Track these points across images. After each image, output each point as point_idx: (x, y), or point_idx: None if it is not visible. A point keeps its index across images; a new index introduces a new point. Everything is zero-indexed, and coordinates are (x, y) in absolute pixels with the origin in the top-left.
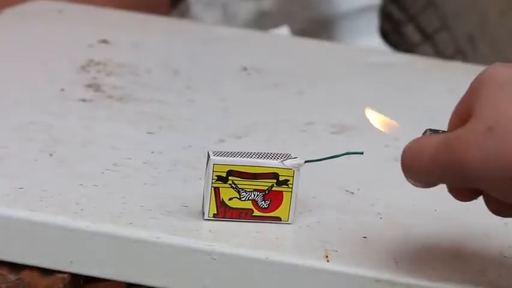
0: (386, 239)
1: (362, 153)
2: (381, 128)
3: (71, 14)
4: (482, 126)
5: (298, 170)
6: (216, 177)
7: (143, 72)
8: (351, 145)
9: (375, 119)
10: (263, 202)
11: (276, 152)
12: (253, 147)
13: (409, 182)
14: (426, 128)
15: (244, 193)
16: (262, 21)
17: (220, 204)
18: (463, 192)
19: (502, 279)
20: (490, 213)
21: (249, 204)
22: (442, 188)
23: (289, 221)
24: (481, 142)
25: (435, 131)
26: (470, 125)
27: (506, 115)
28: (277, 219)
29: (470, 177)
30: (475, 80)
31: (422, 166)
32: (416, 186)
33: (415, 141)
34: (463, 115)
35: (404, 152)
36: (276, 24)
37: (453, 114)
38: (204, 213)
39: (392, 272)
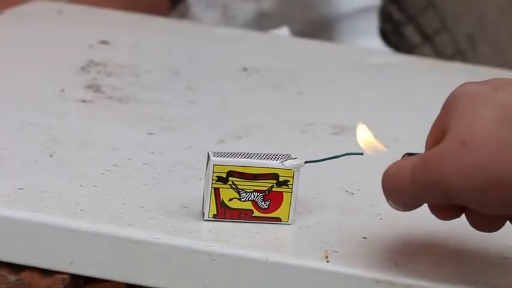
0: (386, 239)
1: (362, 153)
2: (364, 147)
3: (71, 14)
4: (456, 141)
5: (298, 171)
6: (216, 178)
7: (143, 73)
8: (350, 146)
9: (363, 138)
10: (263, 203)
11: (276, 153)
12: (253, 148)
13: (390, 205)
14: (405, 152)
15: (244, 194)
16: (262, 22)
17: (220, 204)
18: (445, 210)
19: (502, 280)
20: None
21: (249, 205)
22: None
23: (289, 222)
24: (457, 156)
25: (413, 154)
26: (445, 141)
27: (478, 127)
28: (277, 219)
29: (450, 192)
30: (447, 99)
31: (402, 186)
32: (398, 209)
33: (394, 164)
34: (438, 136)
35: (384, 174)
36: (276, 25)
37: (429, 136)
38: (204, 214)
39: (392, 273)
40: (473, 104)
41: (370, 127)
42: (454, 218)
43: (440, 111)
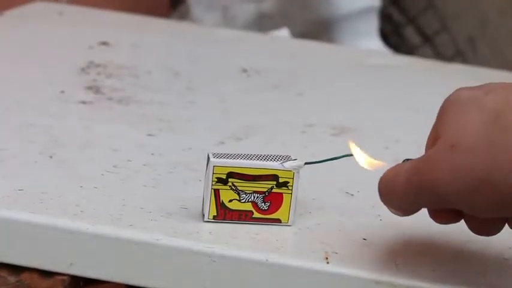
0: (386, 240)
1: None
2: (367, 167)
3: (71, 16)
4: (446, 145)
5: (298, 172)
6: (216, 179)
7: (143, 74)
8: None
9: (362, 159)
10: (263, 204)
11: (276, 154)
12: (253, 149)
13: (391, 211)
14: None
15: (244, 195)
16: (262, 23)
17: (220, 206)
18: (442, 215)
19: (502, 281)
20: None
21: (249, 206)
22: None
23: (289, 223)
24: (447, 160)
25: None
26: (437, 146)
27: (467, 131)
28: (277, 221)
29: (442, 196)
30: (442, 104)
31: (397, 191)
32: (398, 214)
33: (390, 169)
34: (435, 141)
35: (380, 180)
36: (276, 26)
37: (428, 140)
38: (204, 215)
39: (392, 274)
40: (464, 109)
41: (360, 146)
42: (453, 222)
43: (437, 116)
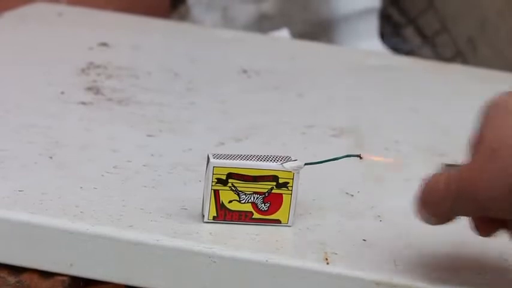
0: (386, 241)
1: (361, 156)
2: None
3: (71, 17)
4: (487, 150)
5: (298, 173)
6: (215, 180)
7: (143, 75)
8: (350, 148)
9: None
10: (263, 205)
11: (276, 155)
12: (253, 150)
13: (422, 217)
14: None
15: (244, 196)
16: (262, 24)
17: (220, 206)
18: (485, 226)
19: (501, 281)
20: None
21: (248, 207)
22: None
23: (289, 224)
24: (487, 164)
25: (451, 165)
26: (478, 151)
27: (508, 136)
28: (277, 221)
29: (481, 202)
30: (487, 108)
31: (437, 196)
32: (430, 223)
33: (433, 176)
34: (478, 142)
35: (422, 186)
36: (276, 27)
37: (470, 144)
38: (204, 216)
39: (392, 274)
40: (505, 114)
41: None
42: (495, 232)
43: (481, 118)
